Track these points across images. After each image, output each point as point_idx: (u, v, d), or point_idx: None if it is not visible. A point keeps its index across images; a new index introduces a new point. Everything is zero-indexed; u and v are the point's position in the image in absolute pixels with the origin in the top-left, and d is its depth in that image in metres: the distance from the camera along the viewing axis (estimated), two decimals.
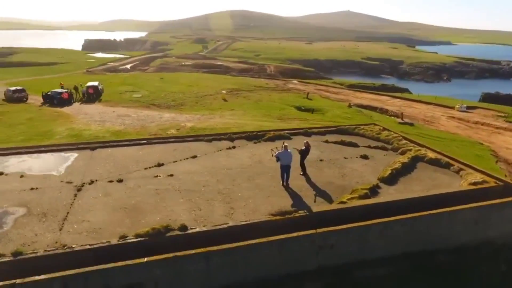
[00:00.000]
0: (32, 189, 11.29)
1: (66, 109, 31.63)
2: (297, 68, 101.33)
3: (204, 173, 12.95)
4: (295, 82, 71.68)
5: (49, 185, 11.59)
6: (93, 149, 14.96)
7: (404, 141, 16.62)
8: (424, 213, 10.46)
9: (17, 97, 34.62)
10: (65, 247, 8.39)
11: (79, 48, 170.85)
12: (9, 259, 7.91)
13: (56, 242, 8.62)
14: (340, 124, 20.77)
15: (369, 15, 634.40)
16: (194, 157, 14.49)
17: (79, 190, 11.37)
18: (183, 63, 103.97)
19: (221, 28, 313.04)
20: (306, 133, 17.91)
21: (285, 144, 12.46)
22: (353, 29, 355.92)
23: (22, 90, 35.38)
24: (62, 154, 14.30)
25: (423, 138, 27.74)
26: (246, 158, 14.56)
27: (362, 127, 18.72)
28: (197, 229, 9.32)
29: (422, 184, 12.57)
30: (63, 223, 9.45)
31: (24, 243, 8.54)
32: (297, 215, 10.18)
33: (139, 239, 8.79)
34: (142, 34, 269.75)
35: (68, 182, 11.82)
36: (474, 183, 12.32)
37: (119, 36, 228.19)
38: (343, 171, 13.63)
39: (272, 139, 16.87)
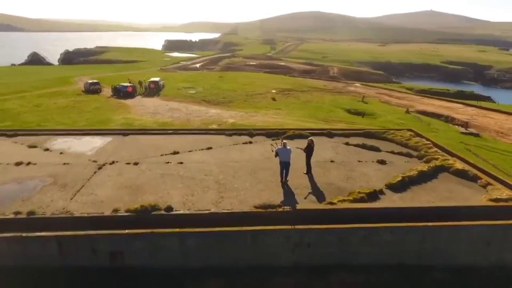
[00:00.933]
0: (64, 164, 13.27)
1: (128, 101, 35.35)
2: (363, 71, 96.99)
3: (211, 163, 13.68)
4: (357, 85, 68.90)
5: (79, 163, 13.47)
6: (126, 135, 16.80)
7: (434, 149, 15.30)
8: (418, 224, 9.72)
9: (92, 89, 39.71)
10: (67, 213, 9.83)
11: (160, 48, 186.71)
12: (23, 217, 9.58)
13: (64, 208, 10.13)
14: (375, 128, 19.79)
15: (454, 15, 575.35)
16: (209, 148, 15.34)
17: (99, 168, 13.01)
18: (248, 63, 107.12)
19: (291, 29, 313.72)
20: (329, 134, 17.54)
21: (284, 141, 12.54)
22: (434, 30, 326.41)
23: (97, 83, 40.46)
24: (99, 137, 16.35)
25: (486, 150, 24.88)
26: (257, 154, 14.91)
27: (392, 132, 17.64)
28: (180, 212, 10.07)
29: (435, 195, 11.55)
30: (75, 194, 11.01)
31: (40, 206, 10.22)
32: (279, 210, 10.29)
33: (128, 213, 9.85)
34: (217, 35, 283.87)
35: (93, 161, 13.59)
36: (496, 199, 10.94)
37: (196, 37, 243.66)
38: (351, 174, 13.16)
39: (291, 137, 16.91)
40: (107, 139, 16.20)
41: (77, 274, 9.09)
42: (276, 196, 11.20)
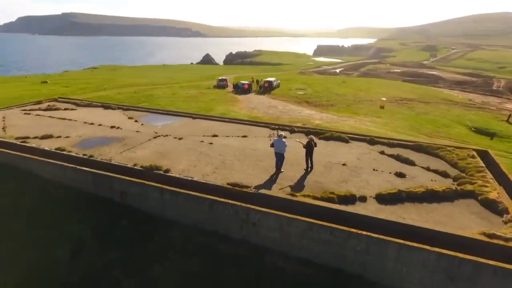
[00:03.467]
0: (136, 131, 17.98)
1: (241, 96, 40.44)
2: None
3: (233, 147, 15.73)
4: None
5: (145, 132, 17.96)
6: (194, 118, 20.68)
7: (481, 174, 12.71)
8: (361, 232, 9.23)
9: (220, 85, 47.08)
10: (109, 160, 13.97)
11: (311, 52, 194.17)
12: (85, 157, 14.24)
13: (110, 158, 14.36)
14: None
15: None
16: (244, 136, 17.37)
17: (154, 138, 17.07)
18: (390, 70, 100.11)
19: (460, 34, 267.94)
20: (371, 141, 16.64)
21: (281, 133, 13.32)
22: None
23: (225, 80, 47.65)
24: (175, 117, 20.76)
25: None
26: None
27: (450, 149, 15.20)
28: (172, 174, 12.70)
29: (426, 216, 10.21)
30: (124, 151, 15.21)
31: (99, 153, 14.79)
32: (244, 190, 11.53)
33: (140, 168, 13.19)
34: (372, 40, 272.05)
35: (155, 132, 17.83)
36: (491, 235, 8.93)
37: (349, 42, 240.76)
38: (350, 179, 12.77)
39: (327, 138, 17.05)
40: (178, 119, 20.45)
41: (101, 201, 13.02)
42: (254, 180, 12.38)
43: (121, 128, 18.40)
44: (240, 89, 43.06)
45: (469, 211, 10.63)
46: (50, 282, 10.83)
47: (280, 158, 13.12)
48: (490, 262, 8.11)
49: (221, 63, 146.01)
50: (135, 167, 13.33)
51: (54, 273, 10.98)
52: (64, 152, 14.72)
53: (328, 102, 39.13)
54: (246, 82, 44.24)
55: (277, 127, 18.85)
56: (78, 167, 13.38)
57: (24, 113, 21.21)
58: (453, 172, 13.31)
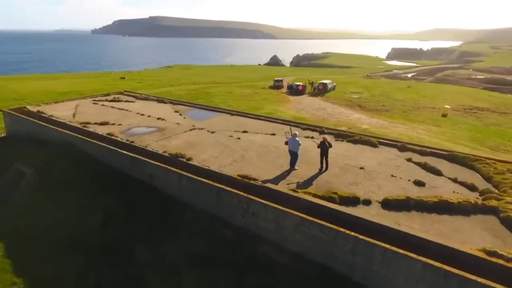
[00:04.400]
0: (177, 123, 19.77)
1: (293, 97, 40.78)
2: None
3: (258, 144, 16.43)
4: None
5: (184, 124, 19.65)
6: (232, 115, 21.88)
7: None
8: (348, 232, 9.25)
9: (276, 85, 48.03)
10: (146, 146, 15.79)
11: (384, 55, 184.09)
12: (127, 142, 16.28)
13: (147, 145, 16.20)
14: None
15: None
16: (273, 134, 17.94)
17: (190, 130, 18.62)
18: (471, 77, 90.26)
19: None
20: (403, 147, 15.88)
21: (295, 132, 13.59)
22: None
23: (281, 81, 48.48)
24: (216, 113, 22.20)
25: None
26: (302, 146, 16.18)
27: (489, 162, 13.83)
28: (193, 162, 13.92)
29: (431, 227, 9.73)
30: (161, 140, 16.98)
31: (140, 140, 16.75)
32: (252, 182, 12.19)
33: (167, 154, 14.71)
34: (457, 43, 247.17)
35: (192, 125, 19.40)
36: (492, 253, 8.24)
37: (428, 45, 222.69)
38: (364, 182, 12.55)
39: (355, 141, 16.75)
40: (218, 114, 21.85)
41: (133, 181, 14.85)
42: (265, 174, 12.95)
43: (165, 120, 20.40)
44: (294, 90, 43.44)
45: (483, 227, 9.80)
46: (84, 244, 12.81)
47: (293, 156, 13.47)
48: (478, 279, 7.56)
49: (288, 64, 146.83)
50: (164, 154, 14.89)
51: (88, 236, 12.96)
52: (112, 137, 17.02)
53: (384, 107, 37.34)
54: (300, 83, 44.40)
55: (306, 126, 19.03)
56: (119, 150, 15.42)
57: (93, 103, 24.69)
58: (483, 186, 12.20)
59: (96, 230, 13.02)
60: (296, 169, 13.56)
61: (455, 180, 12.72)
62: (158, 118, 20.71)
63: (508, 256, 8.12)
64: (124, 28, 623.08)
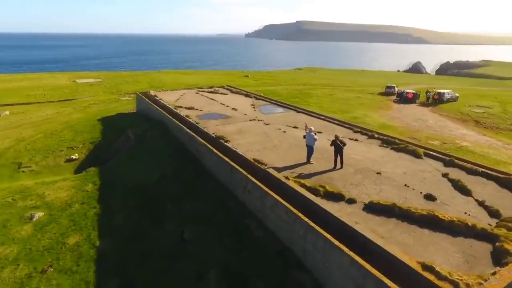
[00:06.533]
0: (244, 114, 22.45)
1: (398, 105, 37.93)
2: None
3: (297, 138, 17.35)
4: None
5: (250, 116, 22.12)
6: (298, 112, 23.16)
7: None
8: (303, 218, 9.86)
9: (387, 92, 45.39)
10: (204, 128, 19.07)
11: None
12: (194, 123, 19.94)
13: (206, 127, 19.43)
14: None
15: None
16: (319, 132, 18.46)
17: (250, 120, 20.99)
18: None
19: None
20: (450, 162, 14.13)
21: (310, 127, 14.07)
22: None
23: (392, 87, 45.49)
24: (285, 108, 23.88)
25: None
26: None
27: None
28: (227, 144, 16.27)
29: (396, 235, 9.35)
30: (220, 125, 19.97)
31: (204, 123, 20.19)
32: (262, 167, 13.63)
33: (215, 136, 17.53)
34: None
35: (255, 116, 21.70)
36: (428, 268, 7.63)
37: None
38: (367, 185, 12.27)
39: (399, 149, 15.77)
40: (286, 110, 23.51)
41: (187, 153, 18.33)
42: (277, 162, 14.18)
43: (237, 110, 23.40)
44: (403, 98, 40.30)
45: (461, 249, 8.72)
46: (140, 191, 16.88)
47: (309, 150, 14.16)
48: (391, 283, 7.33)
49: (433, 72, 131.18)
50: (211, 135, 17.79)
51: (146, 187, 17.04)
52: (187, 118, 21.05)
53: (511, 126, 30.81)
54: (411, 91, 40.68)
55: (359, 129, 18.66)
56: (185, 128, 19.18)
57: (196, 93, 29.98)
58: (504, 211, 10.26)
59: (152, 184, 16.98)
60: (312, 163, 14.20)
61: (481, 203, 11.02)
62: (233, 108, 23.88)
63: (443, 274, 7.38)
64: (272, 32, 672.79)
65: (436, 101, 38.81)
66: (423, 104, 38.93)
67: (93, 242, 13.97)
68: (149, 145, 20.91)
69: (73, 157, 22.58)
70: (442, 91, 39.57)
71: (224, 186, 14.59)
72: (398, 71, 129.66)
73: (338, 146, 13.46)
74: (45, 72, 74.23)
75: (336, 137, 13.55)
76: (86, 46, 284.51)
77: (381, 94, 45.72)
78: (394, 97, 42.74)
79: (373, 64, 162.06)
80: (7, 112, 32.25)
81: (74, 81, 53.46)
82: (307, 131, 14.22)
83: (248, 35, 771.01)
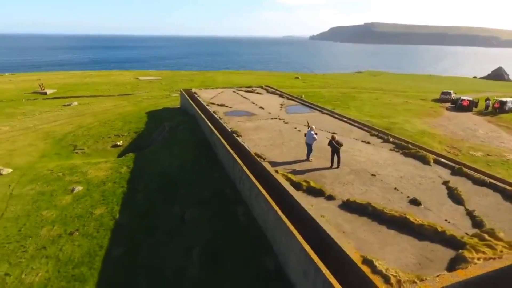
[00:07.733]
0: (268, 113, 23.30)
1: (450, 113, 35.20)
2: None
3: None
4: None
5: (274, 115, 22.89)
6: (323, 113, 23.30)
7: None
8: (274, 206, 10.51)
9: (442, 98, 42.35)
10: (225, 123, 20.42)
11: None
12: (216, 117, 21.41)
13: (227, 122, 20.74)
14: None
15: None
16: (333, 133, 18.60)
17: (271, 119, 21.78)
18: None
19: None
20: (459, 171, 13.39)
21: (311, 126, 14.37)
22: None
23: (448, 94, 42.25)
24: (311, 109, 24.18)
25: None
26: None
27: None
28: (238, 138, 17.35)
29: (360, 232, 9.56)
30: (242, 121, 21.12)
31: (229, 119, 21.52)
32: (260, 160, 14.46)
33: (229, 130, 18.75)
34: None
35: (277, 115, 22.43)
36: (367, 261, 7.83)
37: None
38: (354, 185, 12.34)
39: (409, 154, 15.29)
40: (312, 111, 23.78)
41: (208, 144, 19.83)
42: (278, 157, 14.86)
43: (264, 109, 24.35)
44: (457, 106, 37.32)
45: (419, 252, 8.64)
46: (164, 177, 18.82)
47: (308, 148, 14.56)
48: (326, 271, 7.73)
49: None
50: (227, 129, 19.04)
51: (168, 173, 18.95)
52: (213, 114, 22.62)
53: None
54: (468, 98, 37.39)
55: (376, 133, 18.28)
56: (208, 122, 20.75)
57: (233, 92, 31.60)
58: (497, 227, 9.67)
59: (173, 171, 18.81)
60: (311, 160, 14.60)
61: (469, 212, 10.50)
62: (260, 107, 24.89)
63: (379, 269, 7.54)
64: (338, 34, 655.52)
65: (496, 110, 35.19)
66: (480, 113, 35.59)
67: (114, 215, 16.13)
68: (179, 137, 22.93)
69: (118, 143, 25.66)
70: (504, 99, 35.78)
71: (228, 176, 15.71)
72: (475, 77, 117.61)
73: (334, 147, 13.69)
74: (116, 70, 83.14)
75: (333, 137, 13.80)
76: (166, 47, 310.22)
77: (436, 100, 42.76)
78: (448, 104, 39.74)
79: (449, 69, 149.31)
80: (76, 103, 37.43)
81: (137, 78, 59.32)
82: (308, 129, 14.64)
83: (312, 37, 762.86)
